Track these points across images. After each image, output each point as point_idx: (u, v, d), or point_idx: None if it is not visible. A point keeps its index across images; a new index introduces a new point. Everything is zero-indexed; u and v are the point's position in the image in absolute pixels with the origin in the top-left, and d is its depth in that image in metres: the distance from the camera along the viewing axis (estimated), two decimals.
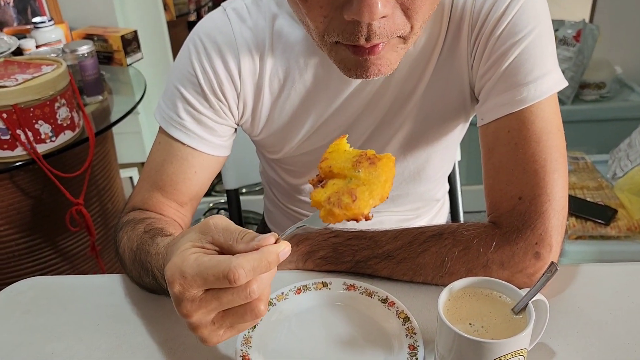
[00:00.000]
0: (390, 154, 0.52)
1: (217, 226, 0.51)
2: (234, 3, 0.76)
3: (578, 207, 1.57)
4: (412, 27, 0.60)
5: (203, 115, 0.76)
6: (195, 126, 0.76)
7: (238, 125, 0.81)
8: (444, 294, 0.56)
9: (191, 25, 3.04)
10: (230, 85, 0.75)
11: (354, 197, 0.49)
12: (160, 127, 0.79)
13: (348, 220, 0.49)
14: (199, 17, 3.13)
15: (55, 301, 0.74)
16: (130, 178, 2.02)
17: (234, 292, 0.47)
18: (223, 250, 0.51)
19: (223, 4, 0.77)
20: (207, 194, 0.85)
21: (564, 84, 0.70)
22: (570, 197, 1.57)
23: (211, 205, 2.25)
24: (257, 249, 0.48)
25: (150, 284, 0.68)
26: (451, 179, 1.12)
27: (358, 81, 0.75)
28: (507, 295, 0.56)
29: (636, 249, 1.51)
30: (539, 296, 0.55)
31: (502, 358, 0.51)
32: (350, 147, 0.54)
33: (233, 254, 0.49)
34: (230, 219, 1.19)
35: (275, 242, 0.49)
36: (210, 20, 0.76)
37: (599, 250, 1.50)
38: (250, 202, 2.14)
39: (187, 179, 0.77)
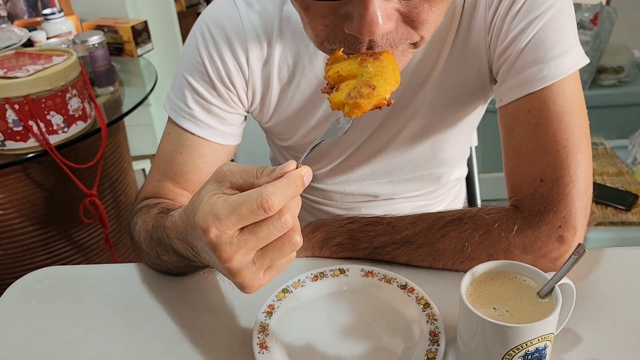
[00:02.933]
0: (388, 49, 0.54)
1: (232, 170, 0.50)
2: None
3: (598, 193, 1.55)
4: (422, 37, 0.57)
5: (212, 104, 0.75)
6: (204, 116, 0.75)
7: (248, 112, 0.80)
8: (467, 278, 0.55)
9: None
10: (239, 73, 0.74)
11: (372, 86, 0.51)
12: (169, 118, 0.78)
13: (372, 109, 0.51)
14: None
15: (70, 290, 0.74)
16: (143, 170, 2.03)
17: (270, 223, 0.47)
18: (244, 190, 0.50)
19: None
20: None
21: (586, 60, 0.68)
22: None
23: None
24: (280, 176, 0.48)
25: (170, 262, 0.67)
26: (468, 166, 1.11)
27: None
28: (531, 279, 0.55)
29: None
30: (565, 279, 0.54)
31: (528, 343, 0.50)
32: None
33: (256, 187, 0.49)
34: None
35: (296, 168, 0.49)
36: (217, 7, 0.75)
37: (620, 237, 1.48)
38: None
39: (198, 169, 0.77)
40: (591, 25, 2.01)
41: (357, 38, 0.54)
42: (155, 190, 0.78)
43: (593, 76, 2.11)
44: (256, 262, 0.49)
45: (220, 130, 0.76)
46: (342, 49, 0.55)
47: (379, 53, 0.54)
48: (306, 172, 0.48)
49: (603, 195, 1.55)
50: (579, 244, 0.52)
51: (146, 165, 2.02)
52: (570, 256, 0.52)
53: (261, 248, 0.48)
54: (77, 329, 0.67)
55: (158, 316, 0.68)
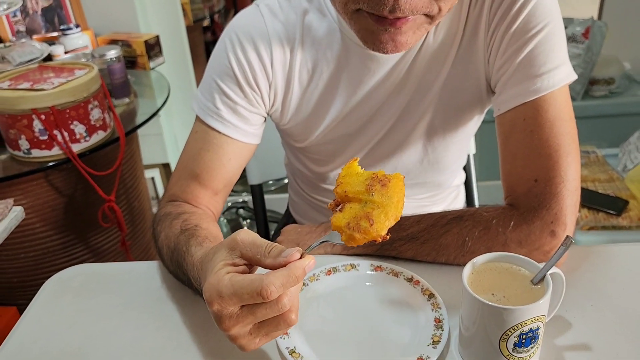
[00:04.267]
0: (400, 173, 0.56)
1: (244, 241, 0.55)
2: (267, 0, 0.82)
3: (590, 199, 1.59)
4: (440, 9, 0.64)
5: (238, 105, 0.81)
6: (230, 115, 0.81)
7: (268, 114, 0.87)
8: (468, 268, 0.60)
9: (206, 29, 3.12)
10: (263, 76, 0.81)
11: (371, 221, 0.53)
12: (197, 117, 0.84)
13: (367, 242, 0.54)
14: (213, 22, 3.21)
15: (102, 285, 0.79)
16: (152, 179, 2.06)
17: (267, 306, 0.52)
18: (252, 263, 0.56)
19: (255, 1, 0.83)
20: None
21: (574, 76, 0.75)
22: (582, 189, 1.59)
23: (230, 204, 2.30)
24: (284, 264, 0.52)
25: (185, 282, 0.72)
26: (467, 172, 1.17)
27: (381, 73, 0.80)
28: (526, 268, 0.61)
29: None
30: (555, 269, 0.59)
31: (523, 324, 0.55)
32: (362, 168, 0.58)
33: (261, 266, 0.54)
34: (255, 213, 1.25)
35: (301, 257, 0.53)
36: (244, 17, 0.82)
37: (611, 240, 1.51)
38: (268, 201, 2.18)
39: (222, 165, 0.82)
40: (583, 39, 2.07)
41: None
42: (182, 190, 0.83)
43: (585, 87, 2.15)
44: (252, 333, 0.55)
45: (243, 130, 0.82)
46: (358, 159, 0.58)
47: (388, 179, 0.55)
48: (308, 263, 0.52)
49: (595, 201, 1.59)
50: (567, 236, 0.58)
51: (155, 174, 2.06)
52: (560, 247, 0.58)
53: (259, 322, 0.54)
54: (111, 318, 0.72)
55: (184, 307, 0.73)
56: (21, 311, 1.38)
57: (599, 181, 1.69)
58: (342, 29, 0.78)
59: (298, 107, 0.85)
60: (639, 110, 2.06)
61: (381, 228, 0.53)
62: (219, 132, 0.81)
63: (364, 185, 0.55)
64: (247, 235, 0.55)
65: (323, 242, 0.57)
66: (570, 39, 2.11)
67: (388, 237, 0.54)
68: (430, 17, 0.65)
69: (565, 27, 2.27)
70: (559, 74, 0.72)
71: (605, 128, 2.09)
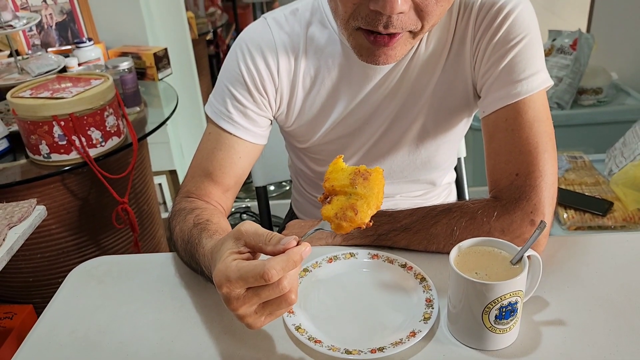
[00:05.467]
0: (379, 167, 0.63)
1: (248, 232, 0.61)
2: (274, 14, 0.90)
3: (577, 201, 1.66)
4: (422, 27, 0.73)
5: (247, 108, 0.89)
6: (240, 118, 0.89)
7: (274, 117, 0.94)
8: (454, 251, 0.66)
9: (209, 43, 3.23)
10: (270, 82, 0.88)
11: (355, 211, 0.60)
12: (210, 120, 0.91)
13: (354, 229, 0.61)
14: (216, 36, 3.31)
15: (124, 273, 0.86)
16: (160, 185, 2.13)
17: (270, 288, 0.57)
18: (255, 250, 0.63)
19: (264, 15, 0.92)
20: None
21: (551, 82, 0.82)
22: (569, 191, 1.67)
23: (233, 210, 2.37)
24: (283, 251, 0.58)
25: (197, 270, 0.79)
26: (458, 173, 1.24)
27: (377, 78, 0.87)
28: (506, 251, 0.67)
29: None
30: (533, 252, 0.66)
31: (502, 297, 0.62)
32: (346, 164, 0.66)
33: (263, 252, 0.61)
34: (260, 212, 1.32)
35: (297, 244, 0.59)
36: (253, 29, 0.90)
37: None
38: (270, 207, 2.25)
39: (233, 163, 0.90)
40: (571, 50, 2.16)
41: (377, 15, 0.69)
42: (196, 187, 0.90)
43: (574, 97, 2.21)
44: (257, 312, 0.60)
45: (252, 131, 0.90)
46: (343, 156, 0.66)
47: (369, 173, 0.62)
48: (305, 250, 0.58)
49: (581, 202, 1.66)
50: (541, 221, 0.66)
51: (163, 180, 2.13)
52: (535, 230, 0.65)
53: (263, 302, 0.60)
54: (132, 302, 0.79)
55: (200, 292, 0.79)
56: (37, 309, 1.45)
57: (585, 184, 1.76)
58: (342, 39, 0.86)
59: (301, 110, 0.92)
60: (625, 118, 2.12)
61: (365, 216, 0.60)
62: (231, 134, 0.89)
63: (349, 179, 0.62)
64: (250, 226, 0.62)
65: (317, 230, 0.64)
66: (559, 50, 2.20)
67: (371, 223, 0.61)
68: (413, 33, 0.74)
69: (554, 39, 2.37)
70: (536, 79, 0.80)
71: (593, 135, 2.15)
